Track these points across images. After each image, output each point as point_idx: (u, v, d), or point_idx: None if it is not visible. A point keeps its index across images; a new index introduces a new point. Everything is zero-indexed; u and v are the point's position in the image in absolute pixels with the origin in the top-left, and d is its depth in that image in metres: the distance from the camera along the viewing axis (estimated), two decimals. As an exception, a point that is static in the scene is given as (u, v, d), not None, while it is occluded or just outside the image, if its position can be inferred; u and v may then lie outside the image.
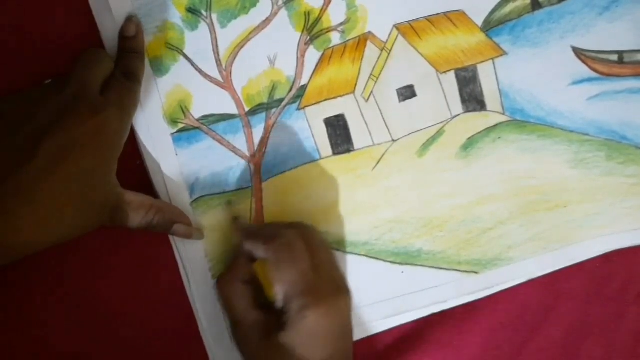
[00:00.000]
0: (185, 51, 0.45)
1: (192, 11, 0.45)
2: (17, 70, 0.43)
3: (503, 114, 0.47)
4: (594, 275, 0.47)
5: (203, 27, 0.45)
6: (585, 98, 0.46)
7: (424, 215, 0.47)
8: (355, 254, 0.46)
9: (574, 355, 0.47)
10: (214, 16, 0.45)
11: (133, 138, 0.45)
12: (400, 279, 0.46)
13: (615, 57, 0.46)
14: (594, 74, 0.46)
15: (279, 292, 0.39)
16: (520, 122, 0.47)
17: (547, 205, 0.47)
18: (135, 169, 0.45)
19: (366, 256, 0.46)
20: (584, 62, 0.46)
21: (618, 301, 0.47)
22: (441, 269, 0.47)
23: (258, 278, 0.42)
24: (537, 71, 0.46)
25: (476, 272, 0.46)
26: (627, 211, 0.46)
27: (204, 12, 0.45)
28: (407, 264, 0.46)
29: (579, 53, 0.46)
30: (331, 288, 0.40)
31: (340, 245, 0.46)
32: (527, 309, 0.47)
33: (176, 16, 0.44)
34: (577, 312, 0.47)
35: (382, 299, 0.46)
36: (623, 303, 0.47)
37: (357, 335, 0.46)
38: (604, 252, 0.47)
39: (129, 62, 0.43)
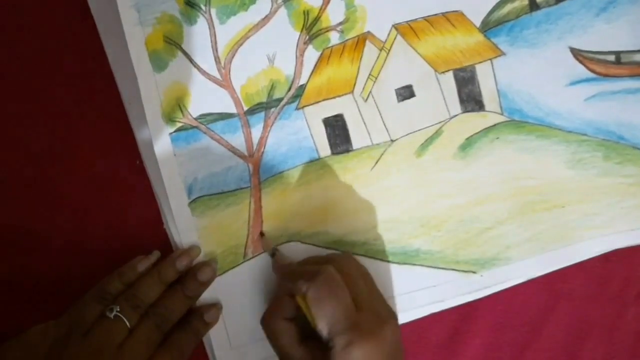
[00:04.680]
0: (183, 46, 0.43)
1: (191, 4, 0.43)
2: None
3: (501, 114, 0.45)
4: (594, 275, 0.46)
5: (202, 21, 0.43)
6: (583, 98, 0.45)
7: (422, 215, 0.45)
8: (354, 253, 0.44)
9: (574, 356, 0.46)
10: (213, 11, 0.43)
11: (132, 138, 0.43)
12: (398, 278, 0.44)
13: (612, 58, 0.44)
14: (591, 75, 0.45)
15: (322, 329, 0.38)
16: (519, 122, 0.45)
17: (545, 205, 0.45)
18: (134, 170, 0.44)
19: (365, 256, 0.44)
20: (581, 62, 0.44)
21: (618, 301, 0.46)
22: (439, 268, 0.45)
23: (303, 311, 0.39)
24: (535, 71, 0.45)
25: (474, 272, 0.45)
26: (624, 211, 0.44)
27: (202, 7, 0.43)
28: (405, 263, 0.44)
29: (576, 53, 0.44)
30: (374, 320, 0.38)
31: (338, 245, 0.44)
32: (527, 309, 0.46)
33: (175, 9, 0.42)
34: (577, 312, 0.46)
35: (381, 300, 0.44)
36: (623, 303, 0.46)
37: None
38: (602, 252, 0.45)
39: (181, 334, 0.41)
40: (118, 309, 0.38)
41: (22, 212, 0.44)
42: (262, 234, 0.43)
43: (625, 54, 0.44)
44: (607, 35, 0.44)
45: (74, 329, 0.38)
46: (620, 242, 0.45)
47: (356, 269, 0.41)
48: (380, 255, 0.44)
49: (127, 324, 0.38)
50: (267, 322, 0.40)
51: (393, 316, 0.39)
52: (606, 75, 0.44)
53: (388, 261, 0.44)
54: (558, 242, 0.44)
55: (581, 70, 0.44)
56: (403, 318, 0.44)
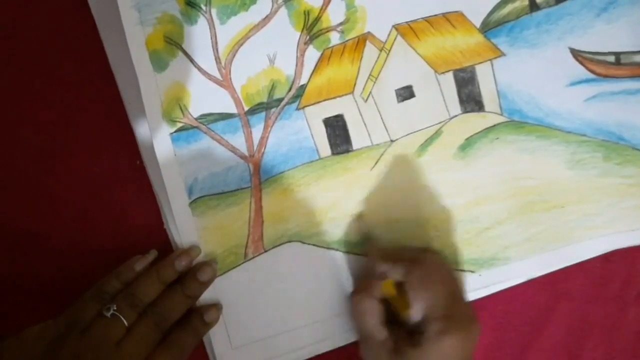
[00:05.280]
0: (184, 46, 0.43)
1: (192, 4, 0.42)
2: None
3: (501, 114, 0.45)
4: (594, 275, 0.45)
5: (202, 22, 0.43)
6: (583, 99, 0.44)
7: (422, 215, 0.44)
8: (354, 253, 0.44)
9: (575, 356, 0.45)
10: (214, 11, 0.43)
11: (133, 138, 0.43)
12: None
13: (612, 59, 0.44)
14: (591, 75, 0.44)
15: (417, 313, 0.38)
16: (518, 122, 0.44)
17: (544, 206, 0.44)
18: (134, 170, 0.43)
19: (365, 256, 0.43)
20: (581, 63, 0.44)
21: (618, 301, 0.45)
22: (439, 268, 0.44)
23: (387, 297, 0.40)
24: (535, 72, 0.44)
25: (473, 272, 0.44)
26: (624, 212, 0.44)
27: (203, 7, 0.42)
28: (406, 264, 0.43)
29: (576, 54, 0.44)
30: (467, 316, 0.39)
31: (339, 245, 0.44)
32: (527, 309, 0.45)
33: (175, 9, 0.42)
34: (578, 312, 0.45)
35: (382, 300, 0.43)
36: (623, 303, 0.45)
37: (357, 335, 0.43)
38: (601, 253, 0.44)
39: (181, 334, 0.41)
40: (115, 308, 0.38)
41: (22, 212, 0.43)
42: (359, 216, 0.43)
43: (625, 55, 0.44)
44: (607, 36, 0.44)
45: (72, 327, 0.38)
46: (620, 242, 0.44)
47: (449, 265, 0.42)
48: (381, 255, 0.44)
49: (125, 322, 0.38)
50: (357, 300, 0.40)
51: (477, 319, 0.39)
52: (606, 76, 0.44)
53: (388, 261, 0.44)
54: (557, 242, 0.44)
55: (581, 71, 0.44)
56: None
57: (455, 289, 0.40)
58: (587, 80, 0.44)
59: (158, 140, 0.42)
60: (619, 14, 0.44)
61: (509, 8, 0.44)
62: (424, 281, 0.39)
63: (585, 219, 0.44)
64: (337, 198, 0.44)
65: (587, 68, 0.44)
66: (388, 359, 0.38)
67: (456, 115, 0.44)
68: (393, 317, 0.40)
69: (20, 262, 0.43)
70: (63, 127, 0.44)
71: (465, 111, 0.45)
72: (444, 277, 0.40)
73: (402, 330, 0.39)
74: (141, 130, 0.43)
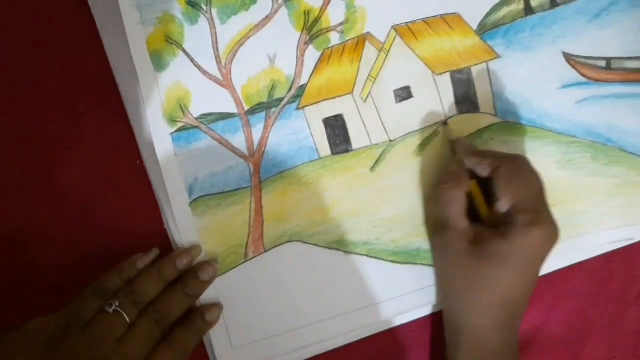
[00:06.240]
0: (184, 46, 0.42)
1: (192, 4, 0.42)
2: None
3: (495, 115, 0.45)
4: (594, 275, 0.45)
5: (203, 21, 0.42)
6: (574, 102, 0.45)
7: (421, 214, 0.44)
8: (356, 253, 0.44)
9: (575, 356, 0.45)
10: (214, 11, 0.42)
11: (133, 138, 0.42)
12: (400, 278, 0.44)
13: (603, 63, 0.45)
14: (583, 79, 0.45)
15: (505, 205, 0.39)
16: (512, 123, 0.45)
17: (535, 204, 0.45)
18: (135, 170, 0.43)
19: (367, 256, 0.44)
20: (573, 67, 0.45)
21: (618, 301, 0.46)
22: (438, 267, 0.44)
23: (472, 195, 0.40)
24: (529, 75, 0.45)
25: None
26: (611, 210, 0.45)
27: (204, 7, 0.42)
28: (407, 263, 0.44)
29: (569, 58, 0.45)
30: (552, 217, 0.39)
31: (340, 245, 0.44)
32: (528, 309, 0.44)
33: (176, 8, 0.41)
34: (577, 312, 0.45)
35: (382, 299, 0.44)
36: (623, 303, 0.46)
37: (358, 335, 0.44)
38: (591, 250, 0.45)
39: (183, 332, 0.40)
40: (117, 304, 0.38)
41: (22, 211, 0.42)
42: (445, 123, 0.44)
43: (615, 60, 0.45)
44: (599, 41, 0.44)
45: (73, 322, 0.37)
46: (606, 239, 0.45)
47: (536, 170, 0.41)
48: (382, 255, 0.44)
49: (127, 318, 0.38)
50: (443, 189, 0.40)
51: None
52: (597, 80, 0.45)
53: (389, 261, 0.44)
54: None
55: (573, 75, 0.45)
56: (404, 318, 0.44)
57: (542, 191, 0.40)
58: (578, 84, 0.45)
59: (158, 140, 0.41)
60: (611, 21, 0.44)
61: (504, 11, 0.45)
62: (515, 174, 0.39)
63: (574, 217, 0.45)
64: (337, 197, 0.44)
65: (579, 72, 0.45)
66: (465, 249, 0.38)
67: (452, 116, 0.45)
68: (472, 216, 0.40)
69: (21, 261, 0.42)
70: (63, 127, 0.42)
71: (461, 112, 0.45)
72: (533, 176, 0.40)
73: (481, 226, 0.39)
74: (141, 130, 0.42)
